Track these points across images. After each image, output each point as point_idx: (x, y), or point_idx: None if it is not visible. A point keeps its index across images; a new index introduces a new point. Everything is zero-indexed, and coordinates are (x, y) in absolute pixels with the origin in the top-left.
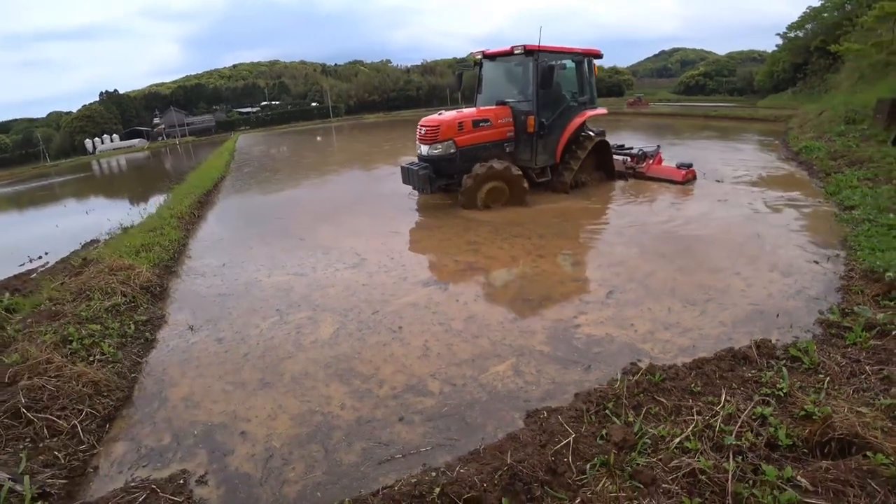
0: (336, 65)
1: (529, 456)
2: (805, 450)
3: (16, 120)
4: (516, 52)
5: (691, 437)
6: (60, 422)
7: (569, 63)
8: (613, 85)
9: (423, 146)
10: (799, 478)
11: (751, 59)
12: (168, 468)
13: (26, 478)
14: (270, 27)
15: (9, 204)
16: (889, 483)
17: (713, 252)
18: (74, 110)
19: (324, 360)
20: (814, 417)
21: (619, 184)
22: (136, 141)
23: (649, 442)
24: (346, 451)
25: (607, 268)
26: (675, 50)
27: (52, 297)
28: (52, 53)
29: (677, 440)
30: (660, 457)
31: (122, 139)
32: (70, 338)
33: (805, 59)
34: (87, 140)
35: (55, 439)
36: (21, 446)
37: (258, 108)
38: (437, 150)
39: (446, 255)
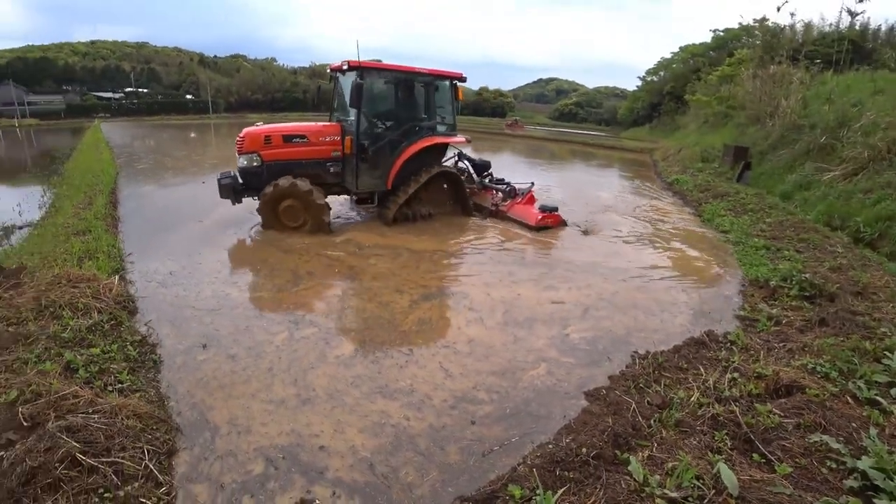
0: (216, 56)
1: (616, 420)
2: (766, 395)
3: None
4: (343, 67)
5: (701, 396)
6: (128, 463)
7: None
8: (497, 106)
9: (238, 156)
10: (774, 410)
11: (614, 95)
12: (284, 495)
13: None
14: (140, 3)
15: None
16: (819, 405)
17: (661, 275)
18: None
19: (347, 378)
20: (764, 375)
21: (466, 221)
22: None
23: (677, 402)
24: (442, 453)
25: (577, 290)
26: (552, 79)
27: None
28: None
29: (693, 398)
30: (687, 411)
31: None
32: (73, 365)
33: (659, 100)
34: None
35: (134, 485)
36: (96, 499)
37: (122, 95)
38: (244, 162)
39: (410, 281)
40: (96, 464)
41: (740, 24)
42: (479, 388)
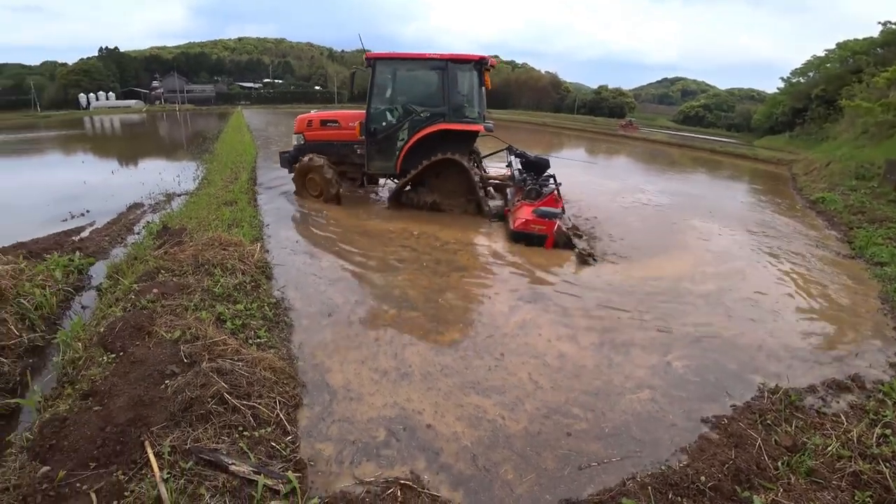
0: (343, 51)
1: (738, 454)
2: None
3: (7, 64)
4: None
5: (841, 448)
6: (263, 410)
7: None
8: (616, 106)
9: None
10: None
11: (749, 98)
12: (393, 468)
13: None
14: (279, 4)
15: (14, 152)
16: None
17: (796, 307)
18: (70, 62)
19: (437, 365)
20: None
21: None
22: (132, 102)
23: (811, 448)
24: (538, 457)
25: (693, 327)
26: (678, 79)
27: (163, 267)
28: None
29: (831, 448)
30: (822, 460)
31: (118, 98)
32: (223, 317)
33: (804, 105)
34: (82, 95)
35: (267, 429)
36: (236, 435)
37: (260, 85)
38: (295, 140)
39: (493, 285)
40: (239, 405)
41: None
42: (572, 404)
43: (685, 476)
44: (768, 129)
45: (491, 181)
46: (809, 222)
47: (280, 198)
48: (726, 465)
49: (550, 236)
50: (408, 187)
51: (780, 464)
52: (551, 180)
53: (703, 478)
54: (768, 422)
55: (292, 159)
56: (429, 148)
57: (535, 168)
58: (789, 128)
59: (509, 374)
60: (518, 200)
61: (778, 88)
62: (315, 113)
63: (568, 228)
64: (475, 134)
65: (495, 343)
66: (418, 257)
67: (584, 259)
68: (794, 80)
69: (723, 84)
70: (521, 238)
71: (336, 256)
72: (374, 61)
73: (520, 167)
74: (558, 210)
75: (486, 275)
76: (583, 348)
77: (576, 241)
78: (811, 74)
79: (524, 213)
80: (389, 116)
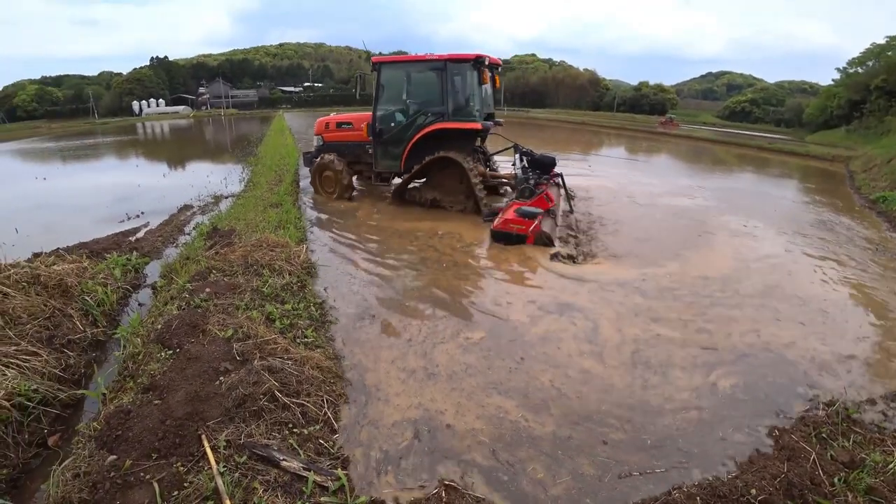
0: (380, 53)
1: (791, 468)
2: None
3: (67, 75)
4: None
5: None
6: (312, 408)
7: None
8: (656, 103)
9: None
10: None
11: (800, 90)
12: (423, 469)
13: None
14: (318, 7)
15: (76, 157)
16: None
17: (855, 324)
18: (124, 72)
19: (461, 364)
20: None
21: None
22: (180, 108)
23: (871, 465)
24: (572, 462)
25: (738, 336)
26: (723, 73)
27: (215, 267)
28: (104, 13)
29: (893, 465)
30: (883, 478)
31: (167, 105)
32: (272, 316)
33: (863, 97)
34: (135, 102)
35: (315, 427)
36: (286, 432)
37: (301, 89)
38: (315, 141)
39: (513, 291)
40: (289, 402)
41: None
42: (605, 415)
43: (734, 488)
44: (822, 123)
45: (499, 179)
46: (868, 223)
47: (317, 198)
48: (778, 479)
49: (530, 236)
50: (412, 184)
51: (836, 480)
52: (558, 179)
53: (753, 490)
54: (823, 435)
55: (313, 159)
56: (431, 147)
57: (541, 166)
58: (846, 122)
59: (531, 378)
60: (512, 199)
61: (833, 80)
62: (332, 116)
63: (566, 228)
64: (475, 132)
65: (512, 345)
66: (440, 258)
67: (561, 260)
68: (851, 71)
69: (772, 77)
70: (501, 237)
71: (370, 255)
72: (379, 65)
73: (524, 165)
74: (539, 210)
75: (508, 275)
76: (609, 367)
77: (558, 241)
78: (871, 64)
79: (507, 213)
80: (394, 118)
